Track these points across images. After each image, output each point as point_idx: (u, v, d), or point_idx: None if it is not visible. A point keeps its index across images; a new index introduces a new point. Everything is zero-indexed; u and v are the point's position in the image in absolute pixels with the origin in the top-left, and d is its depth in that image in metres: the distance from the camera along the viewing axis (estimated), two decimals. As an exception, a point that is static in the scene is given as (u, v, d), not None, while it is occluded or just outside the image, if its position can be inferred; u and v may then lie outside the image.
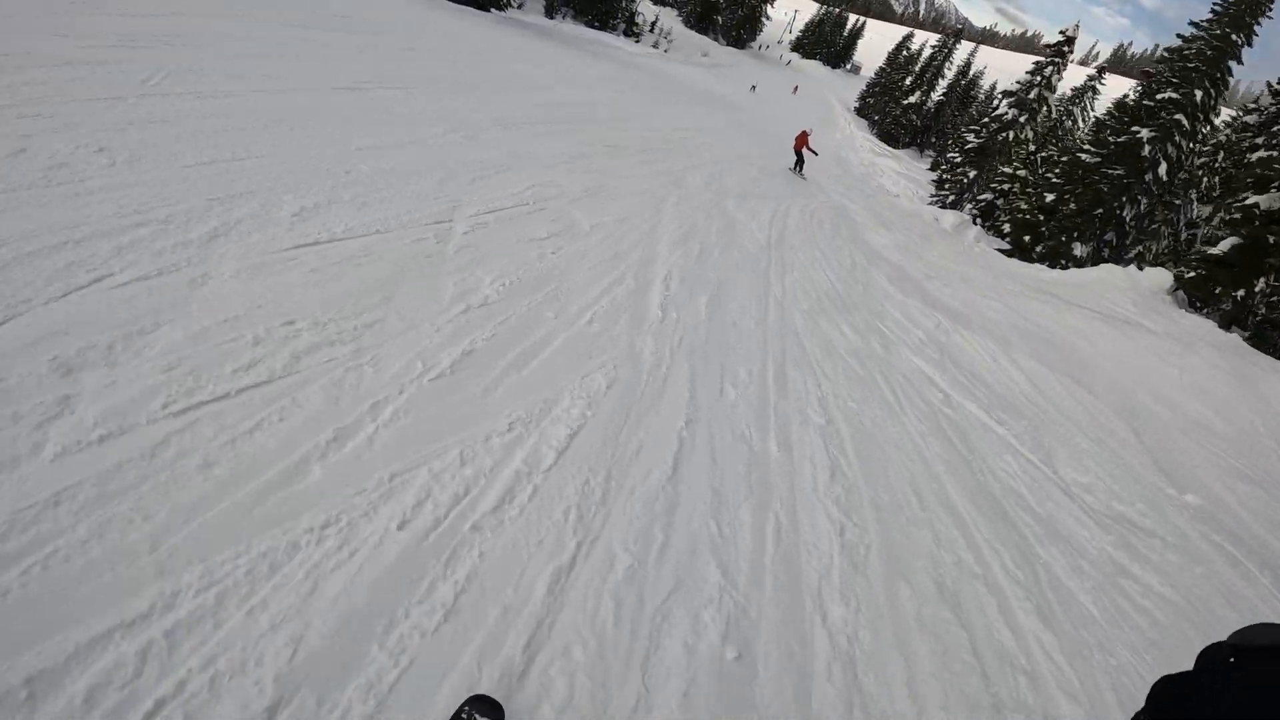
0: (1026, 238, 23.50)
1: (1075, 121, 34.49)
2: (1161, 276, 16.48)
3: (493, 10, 26.24)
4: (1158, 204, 21.42)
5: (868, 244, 12.81)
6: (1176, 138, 20.32)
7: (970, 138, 33.03)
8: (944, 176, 34.51)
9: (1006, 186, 32.78)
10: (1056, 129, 30.86)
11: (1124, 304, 14.40)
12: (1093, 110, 33.59)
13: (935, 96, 63.55)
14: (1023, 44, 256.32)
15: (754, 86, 43.75)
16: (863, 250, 11.89)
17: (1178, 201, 21.53)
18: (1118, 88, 33.51)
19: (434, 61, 11.97)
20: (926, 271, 12.00)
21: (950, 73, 64.50)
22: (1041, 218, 23.22)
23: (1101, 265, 17.11)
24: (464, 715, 1.81)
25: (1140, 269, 17.40)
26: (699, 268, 6.86)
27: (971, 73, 63.01)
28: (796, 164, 17.39)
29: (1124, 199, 21.14)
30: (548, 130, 10.26)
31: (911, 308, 8.73)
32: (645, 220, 7.69)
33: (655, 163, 11.80)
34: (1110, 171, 21.45)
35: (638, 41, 42.96)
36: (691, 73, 38.03)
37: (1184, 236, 21.78)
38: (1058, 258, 22.47)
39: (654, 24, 50.39)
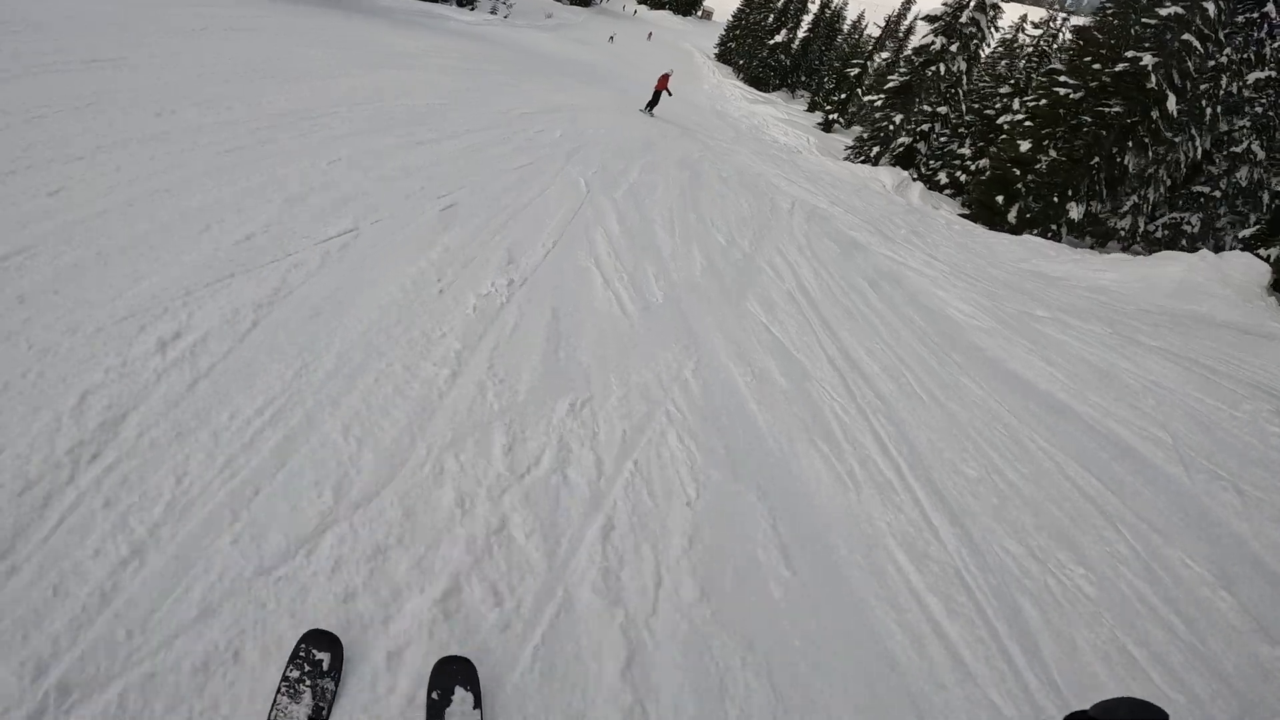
0: (999, 198, 18.83)
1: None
2: (1250, 266, 11.90)
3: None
4: (1166, 147, 17.28)
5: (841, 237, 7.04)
6: (1188, 64, 16.07)
7: (892, 78, 28.22)
8: (863, 136, 29.63)
9: (926, 127, 28.45)
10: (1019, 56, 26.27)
11: (1232, 314, 9.55)
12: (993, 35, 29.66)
13: (800, 34, 59.37)
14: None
15: (611, 37, 42.89)
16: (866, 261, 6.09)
17: (1177, 139, 17.58)
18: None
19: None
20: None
21: (814, 5, 60.55)
22: (1017, 171, 18.57)
23: (1170, 255, 12.33)
24: (301, 652, 1.78)
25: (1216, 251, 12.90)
26: None
27: (835, 2, 59.25)
28: (650, 104, 16.85)
29: (1128, 143, 16.80)
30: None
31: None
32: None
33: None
34: (1106, 109, 17.00)
35: (473, 9, 34.89)
36: (539, 37, 31.41)
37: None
38: (1047, 223, 17.98)
39: (490, -13, 41.58)
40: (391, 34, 14.41)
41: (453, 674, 1.87)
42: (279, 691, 1.71)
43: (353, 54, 10.39)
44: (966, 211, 19.93)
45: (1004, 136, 23.07)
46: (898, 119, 27.26)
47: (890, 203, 17.11)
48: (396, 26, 16.05)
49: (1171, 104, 16.09)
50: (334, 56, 9.55)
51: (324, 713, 1.73)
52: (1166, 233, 19.05)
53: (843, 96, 43.94)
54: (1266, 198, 17.54)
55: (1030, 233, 18.03)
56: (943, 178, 26.52)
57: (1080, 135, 17.32)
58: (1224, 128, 17.92)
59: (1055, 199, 17.36)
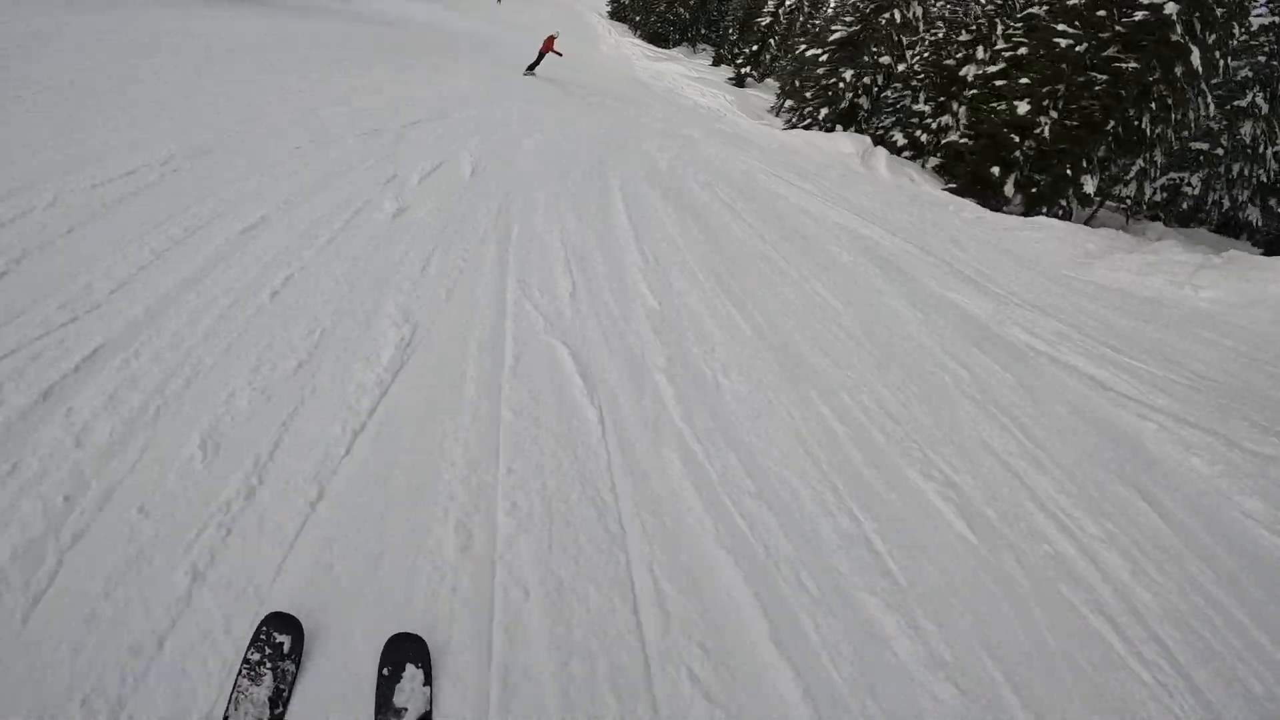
0: (995, 169, 16.41)
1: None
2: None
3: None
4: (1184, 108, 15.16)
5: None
6: (1215, 11, 13.85)
7: (837, 29, 25.14)
8: (806, 95, 26.58)
9: (867, 80, 25.81)
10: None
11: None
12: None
13: (700, -18, 55.29)
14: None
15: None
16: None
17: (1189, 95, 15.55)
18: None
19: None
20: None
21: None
22: (1015, 137, 16.14)
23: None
24: (262, 635, 1.78)
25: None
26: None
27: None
28: (533, 65, 16.15)
29: (1150, 104, 14.59)
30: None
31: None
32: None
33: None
34: (1122, 65, 14.68)
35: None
36: (421, 8, 26.60)
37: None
38: (1056, 198, 15.74)
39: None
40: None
41: (404, 650, 1.86)
42: (239, 674, 1.70)
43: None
44: (952, 185, 17.45)
45: (975, 91, 20.74)
46: (848, 75, 24.38)
47: (885, 189, 14.34)
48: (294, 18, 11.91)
49: (1195, 58, 13.94)
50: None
51: (284, 694, 1.72)
52: (1164, 194, 17.35)
53: (753, 49, 40.99)
54: (1270, 156, 16.03)
55: (1039, 211, 15.79)
56: (898, 138, 23.99)
57: (1091, 95, 14.98)
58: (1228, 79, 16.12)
59: (1068, 169, 15.05)
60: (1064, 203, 15.42)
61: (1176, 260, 10.87)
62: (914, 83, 24.98)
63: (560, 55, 16.95)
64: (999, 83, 19.81)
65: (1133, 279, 10.20)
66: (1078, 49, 15.24)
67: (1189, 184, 16.83)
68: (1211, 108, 15.27)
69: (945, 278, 7.03)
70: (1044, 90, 15.88)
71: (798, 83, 35.72)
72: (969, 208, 14.36)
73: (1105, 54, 15.04)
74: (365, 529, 2.11)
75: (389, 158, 5.61)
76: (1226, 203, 16.50)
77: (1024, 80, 16.18)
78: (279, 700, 1.69)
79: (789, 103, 34.71)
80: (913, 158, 23.07)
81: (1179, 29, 13.77)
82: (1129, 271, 10.48)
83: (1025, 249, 11.72)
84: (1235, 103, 16.46)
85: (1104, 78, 14.95)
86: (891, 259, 7.36)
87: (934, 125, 23.29)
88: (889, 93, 26.25)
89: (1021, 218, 14.06)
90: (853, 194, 12.23)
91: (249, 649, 1.74)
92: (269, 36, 9.82)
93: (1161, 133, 15.67)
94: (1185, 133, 15.72)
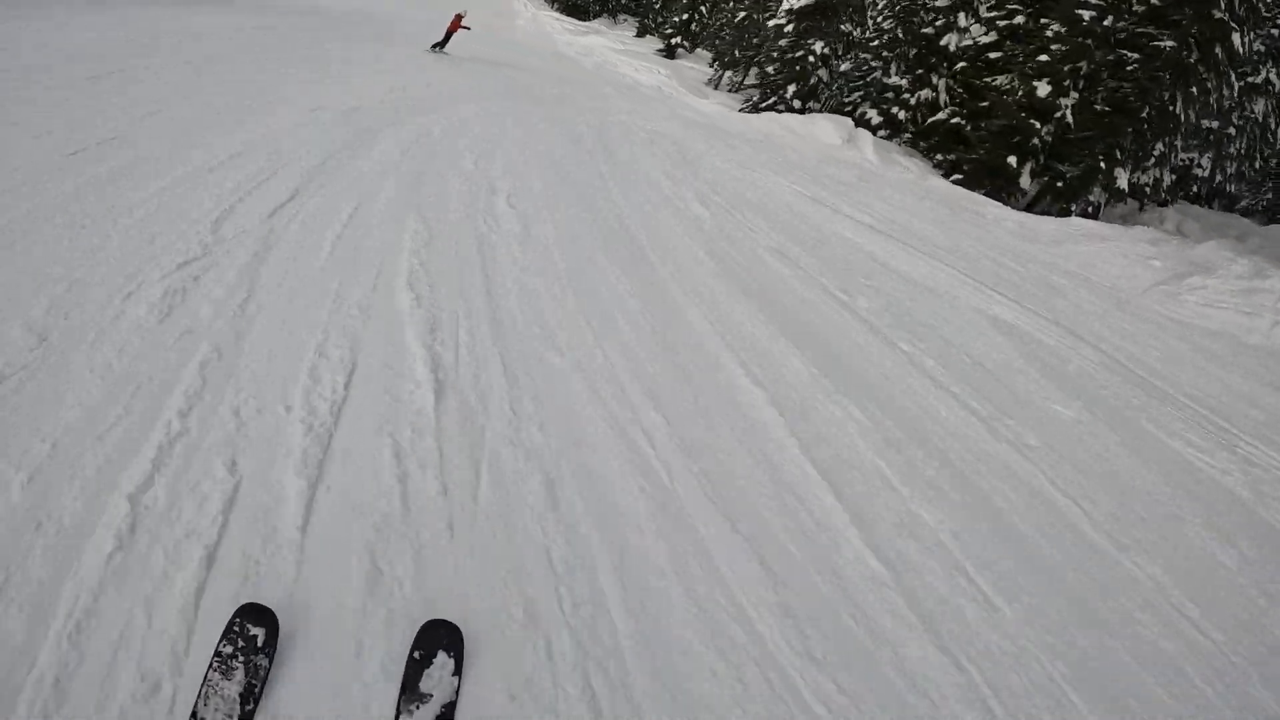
0: (1011, 158, 14.80)
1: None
2: None
3: None
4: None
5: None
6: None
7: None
8: (768, 71, 24.09)
9: (826, 50, 23.67)
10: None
11: None
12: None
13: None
14: None
15: None
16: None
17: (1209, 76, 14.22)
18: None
19: None
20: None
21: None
22: (1035, 123, 14.50)
23: None
24: (235, 627, 1.73)
25: None
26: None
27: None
28: (440, 43, 15.45)
29: (1190, 87, 13.14)
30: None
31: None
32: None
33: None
34: (1159, 42, 13.14)
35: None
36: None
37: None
38: (1084, 192, 14.29)
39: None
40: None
41: (438, 637, 1.85)
42: (211, 667, 1.65)
43: None
44: (957, 176, 15.79)
45: (964, 64, 19.07)
46: (818, 47, 22.06)
47: (898, 190, 12.51)
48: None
49: (1238, 39, 12.55)
50: None
51: (256, 689, 1.66)
52: (1173, 176, 16.30)
53: (683, 18, 38.22)
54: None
55: (1067, 207, 14.34)
56: (872, 115, 22.13)
57: (1123, 75, 13.44)
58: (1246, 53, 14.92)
59: (1102, 161, 13.56)
60: (1094, 199, 14.00)
61: (1270, 289, 9.56)
62: (884, 53, 22.98)
63: (469, 30, 16.10)
64: (993, 55, 18.15)
65: (1241, 322, 8.81)
66: (1104, 23, 13.60)
67: (1199, 165, 15.78)
68: (1236, 87, 14.06)
69: (1161, 413, 5.20)
70: (1065, 69, 14.23)
71: (738, 52, 33.46)
72: (999, 212, 12.73)
73: (1136, 30, 13.49)
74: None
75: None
76: (1231, 186, 15.63)
77: (1042, 57, 14.45)
78: (250, 696, 1.63)
79: (728, 74, 32.62)
80: (889, 136, 21.36)
81: (1221, 4, 12.29)
82: (1231, 309, 9.09)
83: (1093, 270, 10.23)
84: (1249, 78, 15.39)
85: (1134, 56, 13.43)
86: (1058, 366, 5.51)
87: (912, 100, 21.55)
88: (845, 63, 24.18)
89: (1057, 221, 12.56)
90: (877, 202, 10.44)
91: (221, 641, 1.69)
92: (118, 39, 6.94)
93: (1187, 115, 14.40)
94: (1211, 114, 14.52)
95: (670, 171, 9.04)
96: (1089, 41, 13.88)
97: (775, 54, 23.82)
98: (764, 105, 23.21)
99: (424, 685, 1.73)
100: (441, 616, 1.88)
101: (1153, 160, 14.72)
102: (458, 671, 1.79)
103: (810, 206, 9.26)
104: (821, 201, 9.68)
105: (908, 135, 20.03)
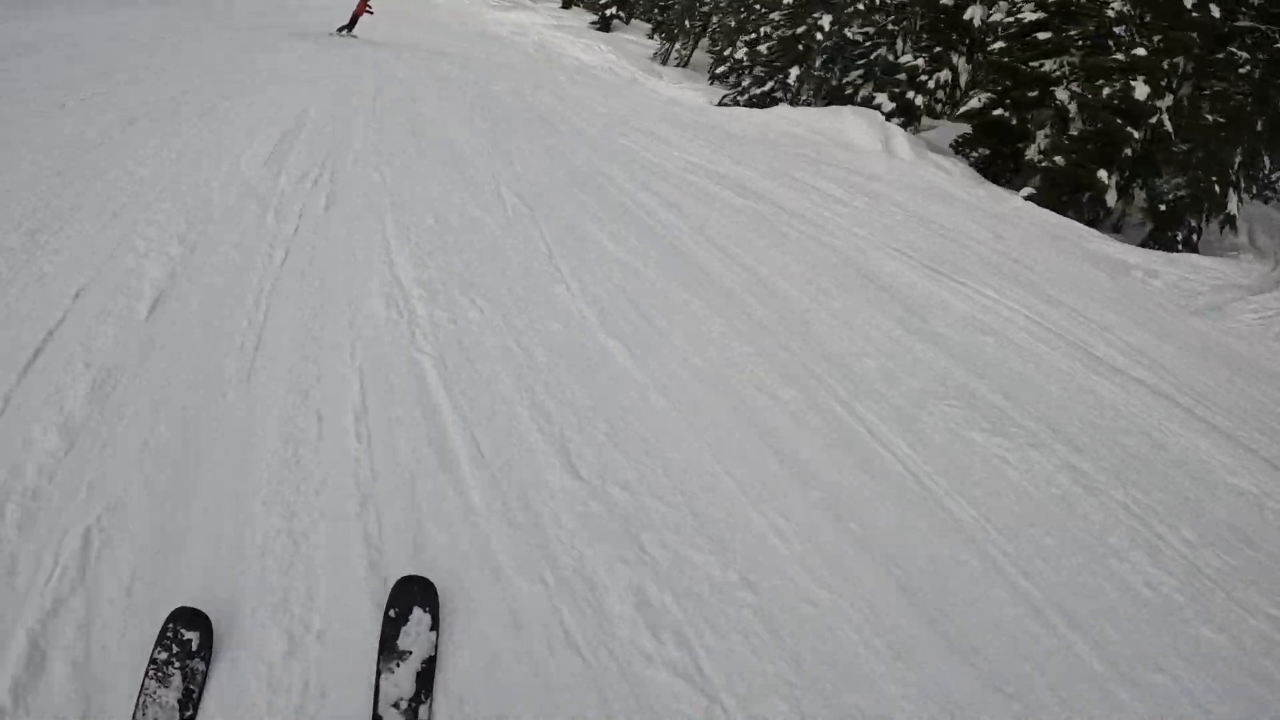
0: (1102, 172, 12.74)
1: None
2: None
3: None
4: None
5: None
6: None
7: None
8: (761, 51, 20.82)
9: (825, 38, 20.92)
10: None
11: None
12: None
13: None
14: None
15: None
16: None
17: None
18: None
19: None
20: None
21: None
22: (1130, 130, 12.43)
23: None
24: (169, 633, 1.67)
25: None
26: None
27: None
28: (345, 27, 14.80)
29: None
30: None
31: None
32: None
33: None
34: (1276, 37, 11.17)
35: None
36: None
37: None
38: (1192, 215, 12.39)
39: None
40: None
41: (412, 593, 1.84)
42: (147, 675, 1.60)
43: None
44: (1031, 191, 13.63)
45: (1002, 44, 16.84)
46: (825, 21, 19.08)
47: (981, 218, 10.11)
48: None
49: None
50: None
51: (195, 695, 1.62)
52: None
53: None
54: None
55: (1171, 237, 12.45)
56: (883, 101, 19.62)
57: (1236, 77, 11.49)
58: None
59: (1213, 180, 11.68)
60: (1196, 225, 12.18)
61: None
62: (889, 28, 20.30)
63: (372, 14, 15.37)
64: (1041, 35, 15.91)
65: None
66: (1212, 14, 11.54)
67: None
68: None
69: None
70: (1164, 66, 12.17)
71: (688, 22, 30.31)
72: (1126, 255, 10.63)
73: (1241, 24, 11.54)
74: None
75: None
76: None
77: (1138, 50, 12.25)
78: (189, 702, 1.59)
79: (676, 46, 29.72)
80: (904, 124, 18.92)
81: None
82: None
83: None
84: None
85: (1246, 56, 11.50)
86: None
87: (931, 84, 19.19)
88: (837, 38, 21.40)
89: (1163, 257, 10.66)
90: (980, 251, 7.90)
91: (155, 648, 1.65)
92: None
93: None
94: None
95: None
96: (1194, 34, 11.83)
97: (768, 29, 20.68)
98: (759, 93, 20.19)
99: (402, 643, 1.72)
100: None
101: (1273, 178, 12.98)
102: (435, 626, 1.79)
103: (930, 282, 6.46)
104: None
105: (946, 126, 17.77)
